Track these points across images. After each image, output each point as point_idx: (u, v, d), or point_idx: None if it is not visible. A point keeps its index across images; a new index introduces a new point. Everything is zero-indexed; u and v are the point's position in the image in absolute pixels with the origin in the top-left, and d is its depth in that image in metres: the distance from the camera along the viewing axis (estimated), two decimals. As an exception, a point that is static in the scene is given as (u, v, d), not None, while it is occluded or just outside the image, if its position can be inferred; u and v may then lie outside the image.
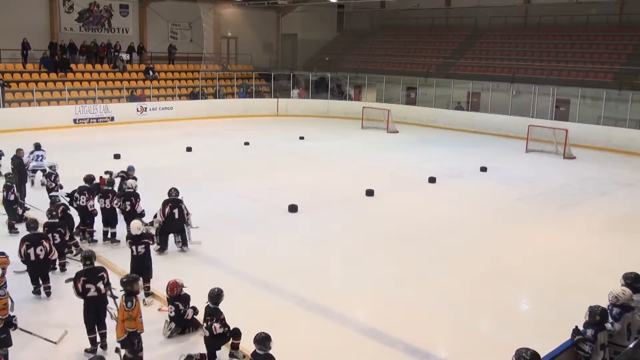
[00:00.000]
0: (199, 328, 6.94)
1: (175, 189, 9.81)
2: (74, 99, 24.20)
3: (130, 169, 10.80)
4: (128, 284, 6.25)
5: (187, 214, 9.66)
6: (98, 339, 6.66)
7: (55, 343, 6.59)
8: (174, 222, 9.55)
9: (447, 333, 7.56)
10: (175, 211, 9.53)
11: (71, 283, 6.79)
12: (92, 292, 6.62)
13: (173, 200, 9.64)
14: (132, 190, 10.10)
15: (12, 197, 10.56)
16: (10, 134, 15.11)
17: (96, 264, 9.13)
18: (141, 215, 9.82)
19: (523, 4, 28.16)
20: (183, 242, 9.77)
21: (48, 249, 7.89)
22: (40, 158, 13.46)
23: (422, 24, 32.81)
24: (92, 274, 6.70)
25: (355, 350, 6.95)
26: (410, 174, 16.51)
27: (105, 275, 6.77)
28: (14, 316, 6.27)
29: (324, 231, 11.31)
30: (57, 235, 8.55)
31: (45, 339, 6.57)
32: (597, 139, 21.37)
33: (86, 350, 6.60)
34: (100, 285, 6.66)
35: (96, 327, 6.66)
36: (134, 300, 6.10)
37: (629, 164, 18.79)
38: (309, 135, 22.17)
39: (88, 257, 6.82)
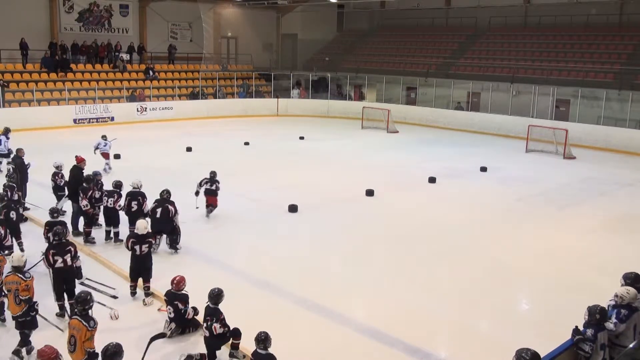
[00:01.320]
0: (199, 328, 6.94)
1: (167, 191, 9.80)
2: (74, 99, 24.19)
3: (97, 173, 10.78)
4: (84, 302, 5.82)
5: (174, 214, 9.65)
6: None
7: (62, 331, 6.94)
8: (156, 220, 9.57)
9: (447, 333, 7.57)
10: (158, 210, 9.57)
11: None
12: (59, 264, 7.31)
13: (159, 200, 9.73)
14: (138, 189, 10.09)
15: (15, 197, 10.58)
16: (10, 134, 15.13)
17: (94, 262, 9.28)
18: (147, 215, 9.84)
19: (523, 4, 28.14)
20: (171, 245, 9.77)
21: (2, 234, 8.38)
22: (106, 145, 15.51)
23: (422, 24, 32.80)
24: (60, 248, 7.39)
25: (355, 350, 6.95)
26: (410, 174, 16.51)
27: (72, 249, 7.44)
28: (36, 302, 6.60)
29: (324, 231, 11.31)
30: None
31: (56, 326, 7.04)
32: (597, 139, 21.37)
33: (57, 314, 7.33)
34: (68, 258, 7.33)
35: (67, 297, 7.37)
36: (93, 317, 5.90)
37: (628, 164, 18.79)
38: (309, 135, 22.16)
39: (57, 234, 7.56)
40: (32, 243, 9.31)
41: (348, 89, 31.15)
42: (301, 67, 33.62)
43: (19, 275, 6.52)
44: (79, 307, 5.81)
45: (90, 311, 5.85)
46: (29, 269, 8.25)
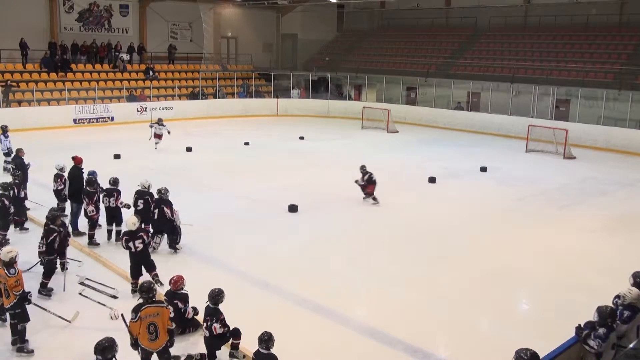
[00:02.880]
0: (199, 328, 6.95)
1: (160, 190, 9.75)
2: (74, 99, 24.20)
3: (92, 173, 10.74)
4: (148, 291, 6.04)
5: (171, 214, 9.63)
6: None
7: (70, 322, 7.06)
8: (155, 221, 9.58)
9: (447, 333, 7.56)
10: (156, 211, 9.58)
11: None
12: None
13: (156, 200, 9.73)
14: (146, 189, 10.06)
15: (22, 194, 10.64)
16: (10, 134, 15.13)
17: (94, 262, 9.27)
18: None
19: (523, 4, 28.16)
20: (171, 245, 9.77)
21: None
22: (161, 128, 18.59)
23: (422, 24, 32.79)
24: (45, 233, 8.28)
25: (355, 350, 6.95)
26: (410, 174, 16.51)
27: (41, 237, 8.29)
28: (29, 292, 6.69)
29: (324, 231, 11.31)
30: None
31: (60, 317, 7.08)
32: (597, 139, 21.38)
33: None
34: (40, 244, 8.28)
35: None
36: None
37: (628, 164, 18.79)
38: (309, 135, 22.16)
39: (47, 217, 8.43)
40: (33, 242, 9.29)
41: (348, 89, 31.15)
42: (301, 67, 33.61)
43: (5, 270, 6.59)
44: (144, 295, 6.00)
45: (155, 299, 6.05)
46: (28, 270, 8.29)
